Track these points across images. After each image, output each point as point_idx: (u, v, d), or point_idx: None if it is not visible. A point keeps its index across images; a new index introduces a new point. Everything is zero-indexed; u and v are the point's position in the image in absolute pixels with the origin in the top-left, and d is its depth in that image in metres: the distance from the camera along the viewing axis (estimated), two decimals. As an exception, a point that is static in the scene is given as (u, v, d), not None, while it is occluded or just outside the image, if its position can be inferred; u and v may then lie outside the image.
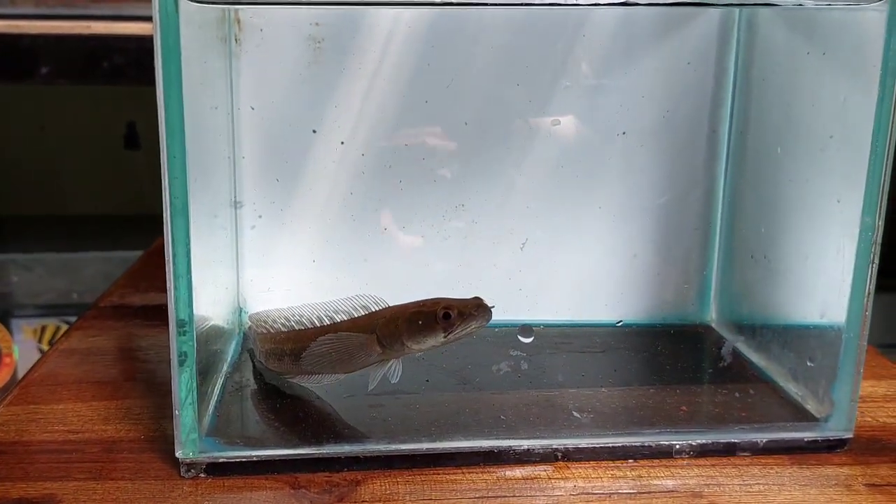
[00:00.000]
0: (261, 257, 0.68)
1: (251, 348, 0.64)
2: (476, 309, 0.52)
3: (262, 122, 0.65)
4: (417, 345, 0.53)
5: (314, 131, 0.65)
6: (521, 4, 0.65)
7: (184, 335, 0.49)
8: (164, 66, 0.45)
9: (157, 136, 0.46)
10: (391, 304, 0.55)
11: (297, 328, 0.58)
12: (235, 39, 0.63)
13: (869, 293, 0.52)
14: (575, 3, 0.64)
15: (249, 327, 0.64)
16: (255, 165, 0.66)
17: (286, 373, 0.59)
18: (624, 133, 0.68)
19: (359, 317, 0.56)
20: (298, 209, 0.67)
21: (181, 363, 0.49)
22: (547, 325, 0.70)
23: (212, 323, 0.57)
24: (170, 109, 0.45)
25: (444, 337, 0.52)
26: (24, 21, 1.12)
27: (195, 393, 0.50)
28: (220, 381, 0.60)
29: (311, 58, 0.64)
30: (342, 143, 0.66)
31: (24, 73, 1.14)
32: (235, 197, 0.66)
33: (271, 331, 0.60)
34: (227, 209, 0.64)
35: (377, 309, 0.55)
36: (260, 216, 0.67)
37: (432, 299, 0.53)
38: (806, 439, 0.56)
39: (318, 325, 0.57)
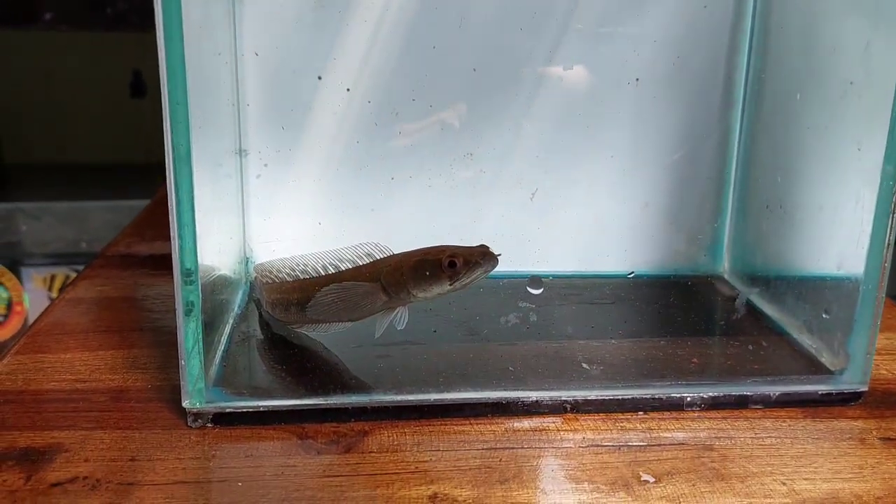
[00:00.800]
0: (266, 206, 0.67)
1: (258, 298, 0.63)
2: (481, 257, 0.51)
3: (267, 69, 0.64)
4: (423, 293, 0.52)
5: (319, 78, 0.64)
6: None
7: (189, 284, 0.48)
8: (164, 10, 0.44)
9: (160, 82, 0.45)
10: (396, 252, 0.54)
11: (302, 277, 0.58)
12: (239, -18, 0.62)
13: (889, 244, 0.51)
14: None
15: (255, 277, 0.63)
16: (260, 113, 0.65)
17: (293, 322, 0.58)
18: (637, 80, 0.66)
19: (363, 265, 0.55)
20: (304, 158, 0.66)
21: (187, 313, 0.49)
22: (556, 277, 0.69)
23: (218, 272, 0.56)
24: (171, 55, 0.44)
25: (450, 285, 0.52)
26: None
27: (201, 343, 0.49)
28: (226, 331, 0.59)
29: (316, 2, 0.62)
30: (348, 89, 0.64)
31: (29, 18, 1.13)
32: (240, 145, 0.65)
33: (277, 280, 0.59)
34: (232, 157, 0.63)
35: (382, 257, 0.55)
36: (265, 164, 0.66)
37: (437, 247, 0.53)
38: (820, 392, 0.55)
39: (324, 273, 0.56)
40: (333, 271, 0.56)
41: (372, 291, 0.53)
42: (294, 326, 0.59)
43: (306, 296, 0.56)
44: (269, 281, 0.60)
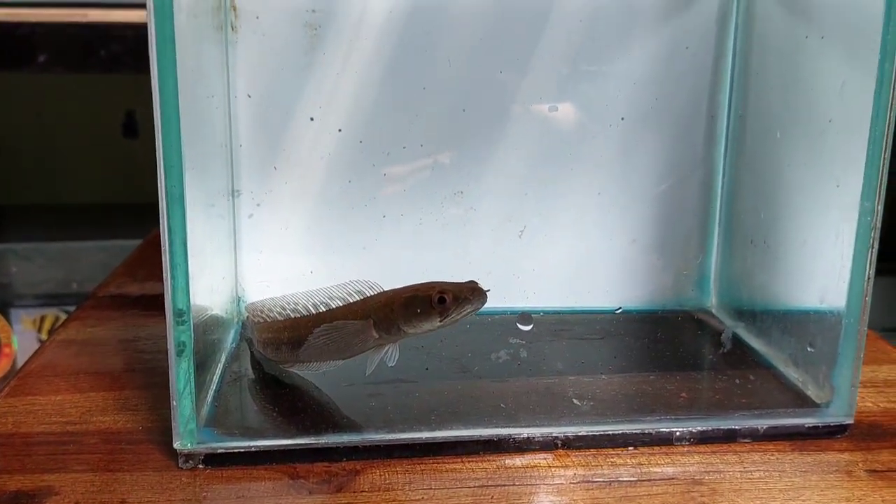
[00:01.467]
0: (259, 246, 0.67)
1: (250, 338, 0.63)
2: (471, 293, 0.52)
3: (260, 110, 0.65)
4: (413, 329, 0.52)
5: (311, 119, 0.65)
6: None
7: (181, 325, 0.49)
8: (159, 54, 0.44)
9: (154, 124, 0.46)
10: (386, 289, 0.55)
11: (293, 316, 0.58)
12: (232, 27, 0.63)
13: (869, 278, 0.52)
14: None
15: (247, 317, 0.64)
16: (253, 154, 0.66)
17: (284, 361, 0.59)
18: (622, 119, 0.67)
19: (354, 302, 0.55)
20: (296, 197, 0.67)
21: (179, 353, 0.49)
22: (546, 312, 0.70)
23: (209, 312, 0.57)
24: (165, 98, 0.45)
25: (440, 321, 0.52)
26: (21, 9, 1.12)
27: (193, 383, 0.49)
28: (218, 371, 0.59)
29: (308, 45, 0.64)
30: (340, 130, 0.65)
31: (22, 61, 1.13)
32: (233, 185, 0.66)
33: (268, 320, 0.60)
34: (225, 198, 0.64)
35: (372, 294, 0.55)
36: (258, 204, 0.66)
37: (427, 283, 0.53)
38: (807, 425, 0.56)
39: (314, 312, 0.57)
40: (324, 309, 0.56)
41: (363, 329, 0.53)
42: (285, 365, 0.59)
43: (297, 334, 0.56)
44: (261, 320, 0.60)
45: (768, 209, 0.63)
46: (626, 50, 0.66)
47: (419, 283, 0.54)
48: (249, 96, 0.64)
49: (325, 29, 0.63)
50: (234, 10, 0.63)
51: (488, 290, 0.52)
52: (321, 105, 0.65)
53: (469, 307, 0.52)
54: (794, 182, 0.59)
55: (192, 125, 0.48)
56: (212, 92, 0.59)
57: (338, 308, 0.56)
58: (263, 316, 0.60)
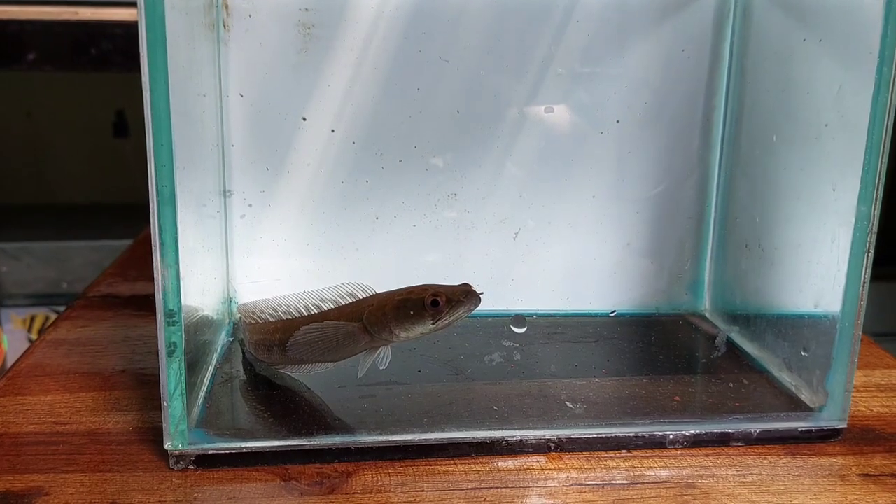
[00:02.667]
0: (250, 246, 0.67)
1: (242, 339, 0.63)
2: (464, 295, 0.51)
3: (252, 110, 0.64)
4: (405, 332, 0.52)
5: (304, 119, 0.65)
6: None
7: (172, 325, 0.48)
8: (150, 53, 0.44)
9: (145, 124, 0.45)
10: (378, 292, 0.55)
11: (284, 318, 0.58)
12: (224, 25, 0.63)
13: (864, 283, 0.52)
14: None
15: (239, 318, 0.63)
16: (245, 154, 0.65)
17: (275, 363, 0.58)
18: (618, 122, 0.67)
19: (346, 305, 0.55)
20: (288, 198, 0.66)
21: (169, 354, 0.48)
22: (539, 315, 0.70)
23: (201, 313, 0.56)
24: (156, 97, 0.45)
25: (433, 324, 0.52)
26: (11, 6, 1.11)
27: (184, 384, 0.49)
28: (209, 372, 0.59)
29: (301, 44, 0.63)
30: (332, 130, 0.65)
31: (12, 59, 1.13)
32: (225, 185, 0.65)
33: (260, 321, 0.59)
34: (217, 198, 0.64)
35: (364, 296, 0.55)
36: (250, 205, 0.66)
37: (420, 286, 0.53)
38: (800, 429, 0.55)
39: (306, 314, 0.56)
40: (316, 311, 0.56)
41: (353, 331, 0.53)
42: (277, 367, 0.59)
43: (288, 336, 0.55)
44: (253, 322, 0.60)
45: (763, 213, 0.63)
46: (621, 52, 0.66)
47: (411, 286, 0.53)
48: (242, 96, 0.64)
49: (319, 28, 0.63)
50: (227, 8, 0.62)
51: (482, 293, 0.52)
52: (314, 105, 0.65)
53: (462, 309, 0.51)
54: (790, 186, 0.59)
55: (183, 124, 0.48)
56: (203, 91, 0.58)
57: (330, 310, 0.56)
58: (255, 317, 0.60)
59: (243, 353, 0.63)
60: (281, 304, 0.58)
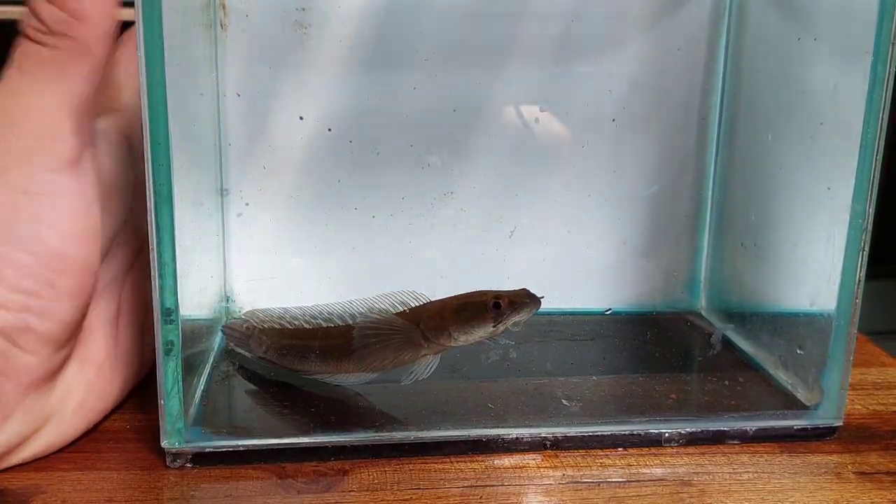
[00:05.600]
0: (247, 245, 0.67)
1: (248, 342, 0.61)
2: (526, 297, 0.52)
3: (249, 109, 0.64)
4: (465, 335, 0.52)
5: (301, 118, 0.65)
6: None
7: (170, 324, 0.48)
8: (147, 52, 0.44)
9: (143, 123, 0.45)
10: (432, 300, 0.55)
11: (325, 325, 0.57)
12: (221, 25, 0.63)
13: (859, 281, 0.52)
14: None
15: (245, 323, 0.61)
16: (242, 153, 0.65)
17: (308, 371, 0.57)
18: (613, 120, 0.67)
19: (399, 313, 0.55)
20: (286, 197, 0.66)
21: (167, 352, 0.48)
22: (535, 313, 0.70)
23: (198, 311, 0.56)
24: (153, 96, 0.45)
25: (494, 327, 0.52)
26: (7, 7, 1.11)
27: (181, 382, 0.49)
28: (206, 371, 0.59)
29: (298, 43, 0.63)
30: (329, 129, 0.65)
31: (7, 59, 1.13)
32: (222, 185, 0.65)
33: (288, 327, 0.58)
34: (214, 197, 0.64)
35: (417, 304, 0.55)
36: (246, 203, 0.66)
37: (477, 291, 0.53)
38: (796, 427, 0.56)
39: (352, 322, 0.56)
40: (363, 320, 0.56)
41: (412, 334, 0.53)
42: (307, 374, 0.58)
43: (329, 343, 0.55)
44: (277, 326, 0.59)
45: (759, 211, 0.63)
46: (617, 51, 0.66)
47: (468, 292, 0.54)
48: (238, 95, 0.64)
49: (315, 27, 0.63)
50: (224, 7, 0.62)
51: (542, 297, 0.53)
52: (311, 104, 0.65)
53: (524, 312, 0.52)
54: (786, 185, 0.59)
55: (180, 124, 0.48)
56: (200, 90, 0.58)
57: (382, 317, 0.55)
58: (276, 322, 0.59)
59: (231, 357, 0.62)
60: (322, 311, 0.58)
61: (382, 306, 0.55)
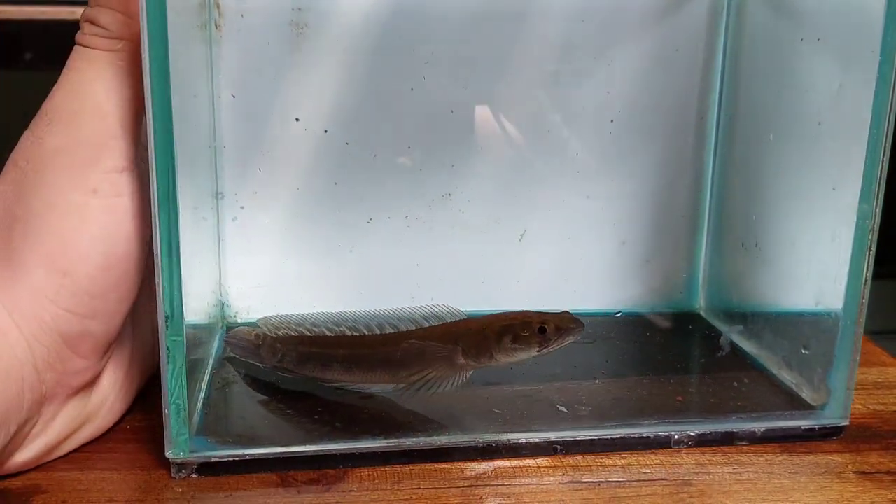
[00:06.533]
0: (243, 249, 0.66)
1: (259, 351, 0.59)
2: (572, 323, 0.53)
3: (244, 111, 0.64)
4: (507, 358, 0.53)
5: (297, 119, 0.64)
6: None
7: (171, 330, 0.47)
8: (152, 54, 0.43)
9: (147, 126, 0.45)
10: (469, 317, 0.55)
11: (349, 334, 0.56)
12: (216, 25, 0.62)
13: (866, 280, 0.52)
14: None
15: (254, 331, 0.60)
16: (237, 155, 0.64)
17: (330, 379, 0.57)
18: (612, 121, 0.67)
19: (433, 326, 0.55)
20: (282, 200, 0.66)
21: (170, 359, 0.47)
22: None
23: (195, 317, 0.55)
24: (157, 98, 0.44)
25: (538, 351, 0.52)
26: (8, 6, 1.10)
27: (184, 390, 0.48)
28: (205, 378, 0.58)
29: (294, 44, 0.63)
30: (326, 131, 0.64)
31: (9, 59, 1.11)
32: (216, 188, 0.64)
33: (307, 334, 0.57)
34: (209, 200, 0.63)
35: (453, 320, 0.55)
36: (242, 207, 0.65)
37: (520, 312, 0.54)
38: (803, 427, 0.56)
39: (379, 332, 0.56)
40: (392, 331, 0.55)
41: (452, 353, 0.53)
42: (327, 383, 0.57)
43: (356, 353, 0.55)
44: (293, 334, 0.58)
45: (760, 211, 0.63)
46: (615, 50, 0.66)
47: (510, 311, 0.54)
48: (234, 96, 0.63)
49: (311, 28, 0.62)
50: (218, 7, 0.62)
51: (585, 323, 0.53)
52: (307, 106, 0.64)
53: (570, 338, 0.53)
54: (788, 184, 0.59)
55: (177, 125, 0.47)
56: (195, 92, 0.58)
57: (416, 330, 0.55)
58: (294, 330, 0.58)
59: (231, 362, 0.61)
60: (346, 319, 0.57)
61: (412, 317, 0.55)
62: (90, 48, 0.46)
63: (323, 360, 0.56)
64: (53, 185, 0.45)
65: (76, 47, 0.47)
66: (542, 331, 0.52)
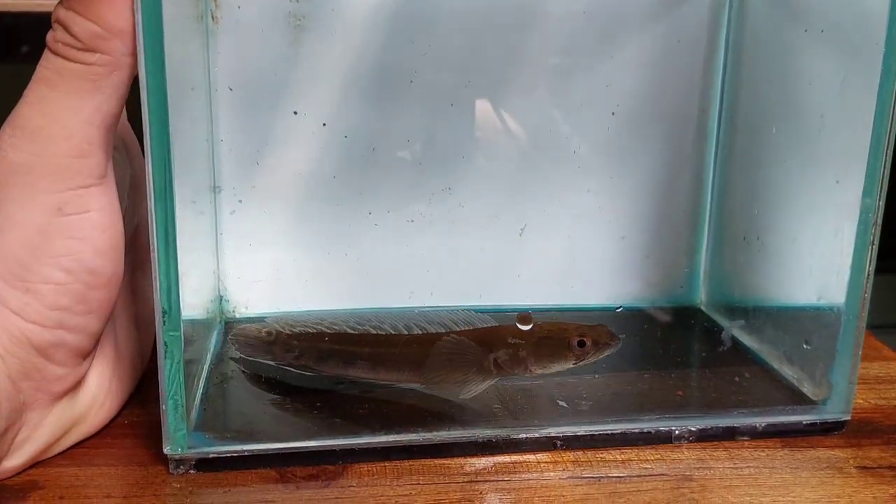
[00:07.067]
0: (241, 243, 0.66)
1: (272, 348, 0.59)
2: (609, 338, 0.53)
3: (241, 104, 0.63)
4: (542, 369, 0.53)
5: (295, 113, 0.63)
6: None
7: (168, 325, 0.47)
8: (147, 46, 0.43)
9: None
10: (499, 325, 0.55)
11: (374, 333, 0.56)
12: (212, 17, 0.61)
13: (869, 275, 0.52)
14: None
15: (265, 328, 0.59)
16: (235, 149, 0.64)
17: (352, 377, 0.57)
18: (613, 114, 0.67)
19: (463, 331, 0.55)
20: (280, 194, 0.65)
21: (168, 355, 0.47)
22: (535, 310, 0.69)
23: (193, 312, 0.55)
24: (153, 91, 0.44)
25: (574, 364, 0.53)
26: (5, -1, 1.09)
27: (182, 385, 0.48)
28: (203, 373, 0.58)
29: (292, 36, 0.62)
30: (324, 124, 0.64)
31: (6, 51, 1.10)
32: (214, 181, 0.64)
33: (326, 331, 0.57)
34: (206, 194, 0.62)
35: (481, 326, 0.55)
36: (240, 201, 0.65)
37: (556, 323, 0.54)
38: (805, 422, 0.55)
39: (406, 333, 0.55)
40: (420, 333, 0.55)
41: (483, 363, 0.53)
42: (347, 380, 0.57)
43: (382, 351, 0.55)
44: (311, 331, 0.58)
45: (762, 206, 0.63)
46: (616, 44, 0.66)
47: (545, 322, 0.54)
48: (231, 89, 0.63)
49: (309, 20, 0.62)
50: None
51: (622, 337, 0.54)
52: (305, 99, 0.63)
53: (607, 352, 0.53)
54: (791, 179, 0.59)
55: (173, 119, 0.47)
56: (192, 84, 0.57)
57: (447, 332, 0.55)
58: (313, 327, 0.58)
59: (237, 360, 0.61)
60: (369, 318, 0.57)
61: (440, 321, 0.55)
62: (60, 57, 0.43)
63: (346, 357, 0.56)
64: (14, 202, 0.44)
65: (46, 52, 0.44)
66: (581, 345, 0.52)
